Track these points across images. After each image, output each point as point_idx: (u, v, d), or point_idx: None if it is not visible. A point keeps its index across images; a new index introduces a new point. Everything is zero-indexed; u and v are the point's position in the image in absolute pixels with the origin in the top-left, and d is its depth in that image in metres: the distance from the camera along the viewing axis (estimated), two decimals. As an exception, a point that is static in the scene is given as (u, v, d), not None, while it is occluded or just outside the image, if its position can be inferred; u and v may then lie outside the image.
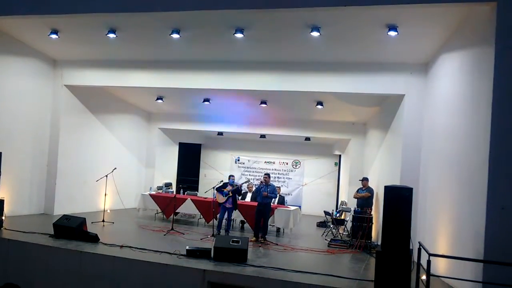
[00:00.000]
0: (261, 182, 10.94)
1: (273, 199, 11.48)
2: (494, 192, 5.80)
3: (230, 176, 11.39)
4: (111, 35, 9.36)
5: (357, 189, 11.58)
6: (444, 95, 8.09)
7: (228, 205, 10.80)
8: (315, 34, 8.25)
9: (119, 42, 9.87)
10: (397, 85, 9.61)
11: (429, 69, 9.18)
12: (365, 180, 11.40)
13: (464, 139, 6.90)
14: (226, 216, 10.93)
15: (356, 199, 11.37)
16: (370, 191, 11.10)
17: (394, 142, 10.26)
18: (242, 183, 11.24)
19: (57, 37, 9.83)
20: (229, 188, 10.79)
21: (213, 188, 11.01)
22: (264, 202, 10.58)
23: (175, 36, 9.05)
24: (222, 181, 11.39)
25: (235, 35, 8.69)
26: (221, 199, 10.78)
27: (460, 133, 7.07)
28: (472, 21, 6.88)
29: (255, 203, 10.99)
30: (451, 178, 7.34)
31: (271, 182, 10.99)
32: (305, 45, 9.13)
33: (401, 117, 9.73)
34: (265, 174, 11.09)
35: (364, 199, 11.02)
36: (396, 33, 7.83)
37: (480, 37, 6.58)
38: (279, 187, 14.51)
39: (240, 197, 11.66)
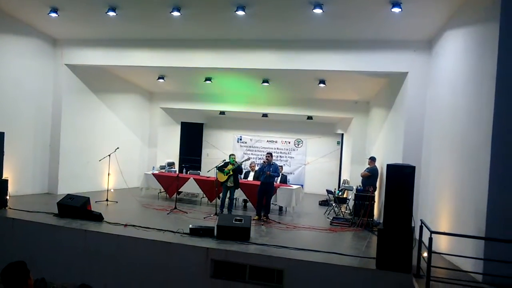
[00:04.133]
0: (264, 162, 10.94)
1: (276, 178, 11.52)
2: (496, 170, 5.79)
3: (230, 155, 11.41)
4: (111, 13, 9.24)
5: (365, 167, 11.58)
6: (448, 72, 8.02)
7: (229, 184, 10.84)
8: (317, 11, 8.15)
9: (119, 20, 9.76)
10: (401, 63, 9.54)
11: (433, 46, 9.08)
12: (370, 159, 11.35)
13: (467, 117, 6.86)
14: (228, 195, 10.99)
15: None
16: (371, 170, 11.03)
17: (396, 120, 10.22)
18: (243, 161, 11.20)
19: (56, 15, 9.72)
20: (230, 167, 10.82)
21: (215, 167, 11.04)
22: (267, 181, 10.61)
23: (176, 13, 8.93)
24: (224, 160, 11.40)
25: (236, 12, 8.57)
26: (222, 178, 10.82)
27: (463, 111, 7.02)
28: (477, -3, 6.77)
29: (258, 182, 11.03)
30: (454, 156, 7.33)
31: (273, 161, 11.01)
32: (308, 23, 9.02)
33: (404, 95, 9.68)
34: (267, 153, 11.08)
35: (366, 178, 11.02)
36: (400, 9, 7.72)
37: (484, 14, 6.47)
38: (281, 166, 14.55)
39: (242, 176, 11.67)
